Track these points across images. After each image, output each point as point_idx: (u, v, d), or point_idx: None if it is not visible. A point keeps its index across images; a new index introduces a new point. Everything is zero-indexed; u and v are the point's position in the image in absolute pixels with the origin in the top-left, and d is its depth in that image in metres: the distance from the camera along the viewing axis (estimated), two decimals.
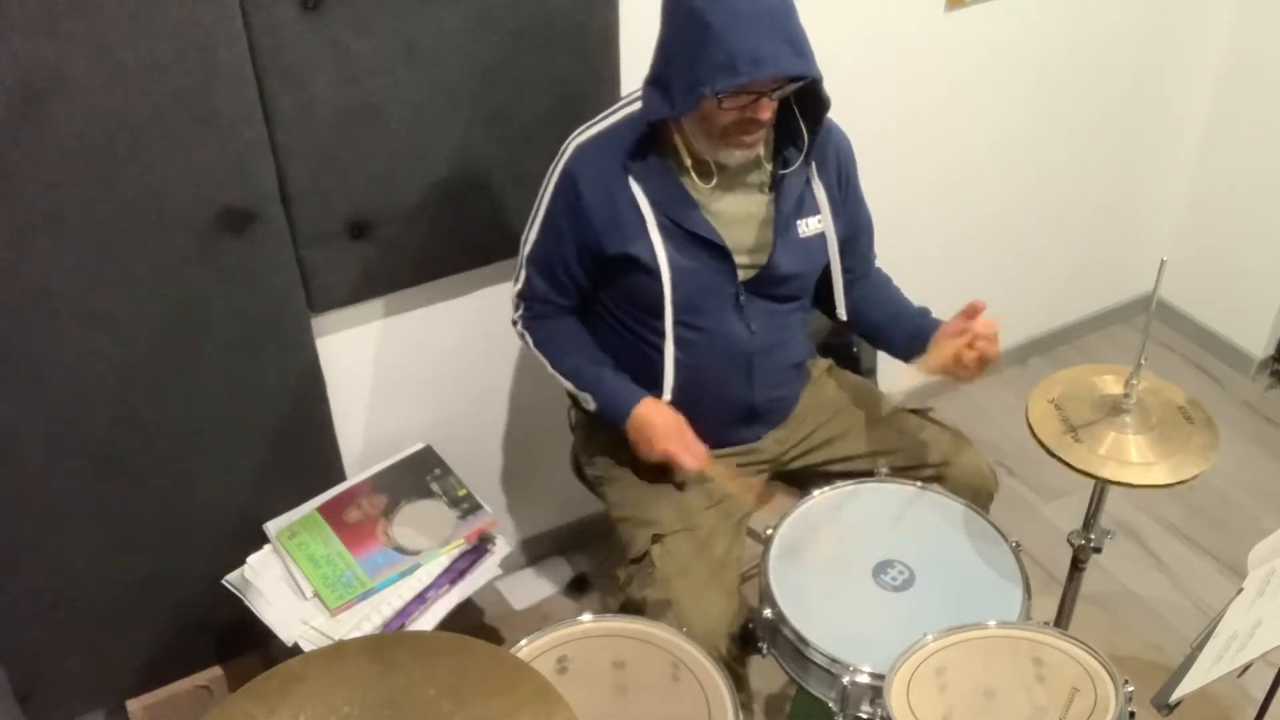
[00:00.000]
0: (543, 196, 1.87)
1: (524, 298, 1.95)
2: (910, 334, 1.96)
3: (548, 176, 1.86)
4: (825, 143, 1.89)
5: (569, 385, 1.93)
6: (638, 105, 1.80)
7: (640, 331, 1.90)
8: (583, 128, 1.85)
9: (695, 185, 1.82)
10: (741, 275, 1.86)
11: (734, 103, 1.66)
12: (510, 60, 2.01)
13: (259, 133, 1.85)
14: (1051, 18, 2.72)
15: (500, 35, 1.97)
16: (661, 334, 1.87)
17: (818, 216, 1.90)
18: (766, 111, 1.69)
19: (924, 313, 2.00)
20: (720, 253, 1.84)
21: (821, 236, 1.91)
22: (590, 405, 1.91)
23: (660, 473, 1.93)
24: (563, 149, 1.85)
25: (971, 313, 1.84)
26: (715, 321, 1.88)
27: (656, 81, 1.74)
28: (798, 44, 1.64)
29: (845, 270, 1.99)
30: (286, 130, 1.87)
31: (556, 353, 1.95)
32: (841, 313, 2.01)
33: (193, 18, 1.71)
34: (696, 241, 1.82)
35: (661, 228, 1.81)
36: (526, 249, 1.91)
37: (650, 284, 1.83)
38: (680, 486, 1.93)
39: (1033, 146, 2.92)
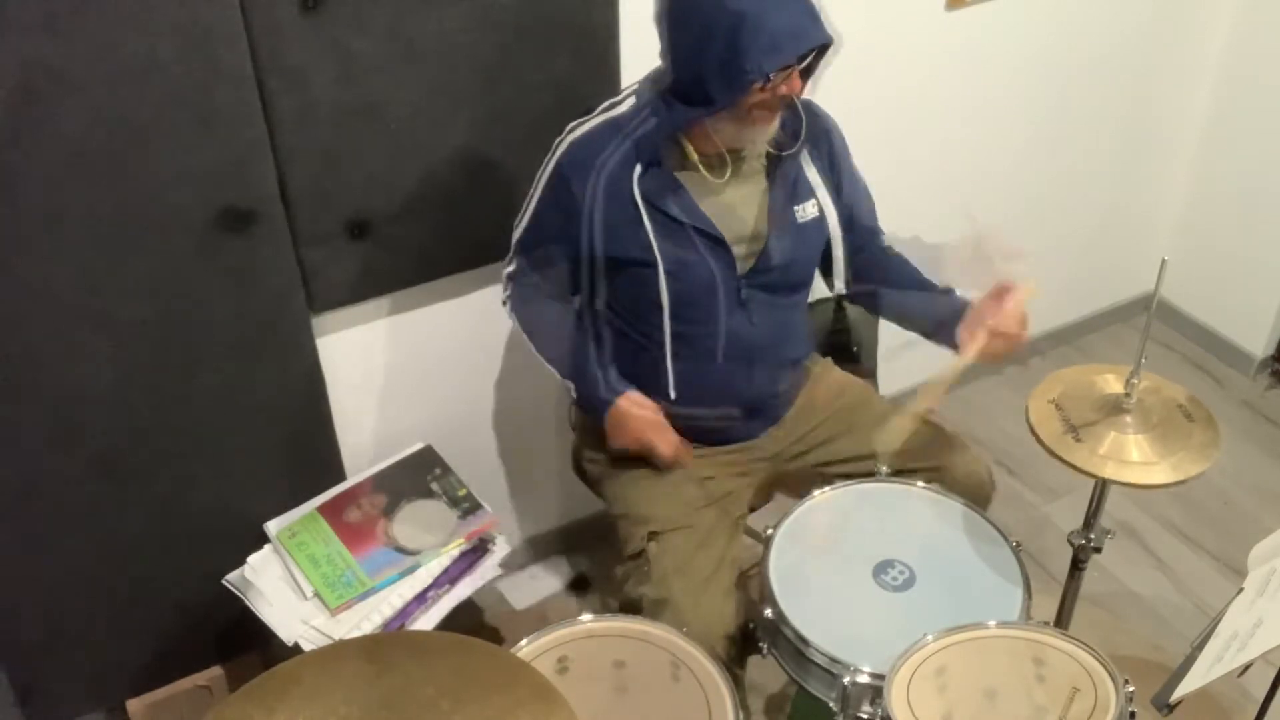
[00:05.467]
0: (536, 189, 1.87)
1: (513, 279, 1.98)
2: (938, 319, 1.92)
3: (541, 170, 1.86)
4: (815, 125, 1.90)
5: (552, 371, 1.97)
6: (631, 100, 1.81)
7: (641, 329, 1.90)
8: (575, 123, 1.85)
9: (695, 179, 1.82)
10: (741, 268, 1.86)
11: (772, 83, 1.69)
12: (510, 60, 2.01)
13: (259, 133, 1.85)
14: (1051, 18, 2.71)
15: (500, 35, 1.97)
16: (662, 331, 1.87)
17: (813, 201, 1.91)
18: (798, 83, 1.73)
19: (948, 294, 1.97)
20: (719, 245, 1.83)
21: (818, 220, 1.92)
22: (572, 394, 1.95)
23: (660, 469, 1.94)
24: (556, 144, 1.85)
25: (999, 294, 1.81)
26: (716, 316, 1.88)
27: (676, 89, 1.73)
28: (815, 12, 1.68)
29: (853, 249, 1.99)
30: (286, 130, 1.87)
31: (541, 339, 1.98)
32: (840, 284, 2.01)
33: (193, 18, 1.70)
34: (695, 235, 1.82)
35: (657, 224, 1.80)
36: (517, 234, 1.94)
37: (649, 282, 1.83)
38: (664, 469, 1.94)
39: (1033, 146, 2.92)
